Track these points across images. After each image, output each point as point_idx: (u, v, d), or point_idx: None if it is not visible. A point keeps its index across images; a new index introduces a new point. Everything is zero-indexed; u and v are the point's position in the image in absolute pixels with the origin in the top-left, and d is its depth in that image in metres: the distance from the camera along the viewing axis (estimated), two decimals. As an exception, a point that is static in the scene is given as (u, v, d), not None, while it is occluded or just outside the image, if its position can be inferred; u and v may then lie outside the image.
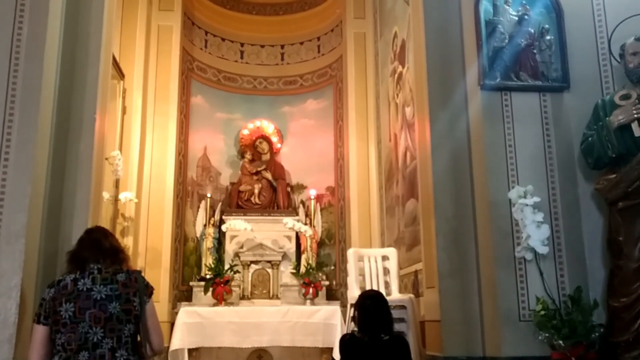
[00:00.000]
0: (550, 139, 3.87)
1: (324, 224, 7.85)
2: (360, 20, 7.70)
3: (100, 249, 2.70)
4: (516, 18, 4.01)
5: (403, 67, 5.97)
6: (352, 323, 3.38)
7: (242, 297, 6.81)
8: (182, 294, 7.21)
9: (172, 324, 6.08)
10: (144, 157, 6.90)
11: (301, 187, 8.26)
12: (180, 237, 7.43)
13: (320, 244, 7.73)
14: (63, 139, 3.89)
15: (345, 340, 3.23)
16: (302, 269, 6.95)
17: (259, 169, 8.06)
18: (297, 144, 8.46)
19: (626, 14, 3.89)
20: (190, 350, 5.92)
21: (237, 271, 6.80)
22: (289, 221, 7.14)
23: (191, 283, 7.17)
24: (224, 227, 7.25)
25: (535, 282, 3.61)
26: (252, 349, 5.98)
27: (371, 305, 3.23)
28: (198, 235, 7.58)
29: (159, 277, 6.62)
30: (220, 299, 6.36)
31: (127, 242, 6.23)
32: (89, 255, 2.67)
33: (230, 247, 7.36)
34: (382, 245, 6.62)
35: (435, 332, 4.03)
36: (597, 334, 3.43)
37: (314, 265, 7.01)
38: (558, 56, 3.97)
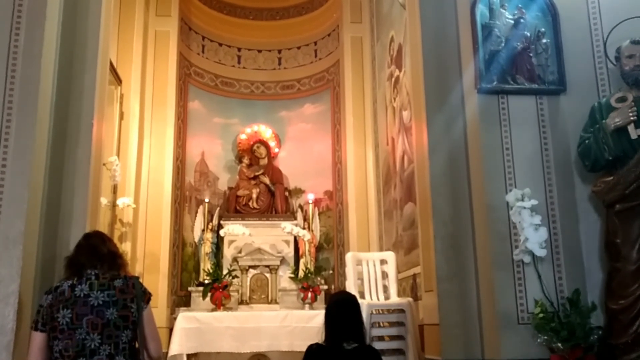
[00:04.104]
0: (547, 141, 3.87)
1: (322, 228, 7.86)
2: (357, 24, 7.72)
3: (98, 255, 2.70)
4: (512, 21, 4.01)
5: (400, 70, 5.99)
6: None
7: (241, 302, 6.80)
8: (181, 300, 7.20)
9: (171, 330, 6.07)
10: (141, 162, 6.91)
11: (299, 192, 8.27)
12: (179, 242, 7.42)
13: (319, 248, 7.74)
14: (60, 144, 3.89)
15: (311, 350, 3.02)
16: (301, 274, 6.95)
17: (256, 173, 8.07)
18: (294, 149, 8.47)
19: (621, 17, 3.89)
20: (188, 356, 5.90)
21: (236, 276, 6.79)
22: (287, 225, 7.15)
23: (189, 288, 7.17)
24: (222, 232, 7.24)
25: (533, 285, 3.60)
26: (250, 354, 5.96)
27: (335, 311, 3.01)
28: (196, 240, 7.58)
29: (157, 282, 6.61)
30: (218, 304, 6.35)
31: (125, 247, 6.22)
32: (86, 261, 2.67)
33: (228, 252, 7.36)
34: (380, 249, 6.62)
35: (434, 335, 4.03)
36: (595, 337, 3.42)
37: (312, 269, 7.01)
38: (554, 59, 3.97)
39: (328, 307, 3.11)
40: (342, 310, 3.02)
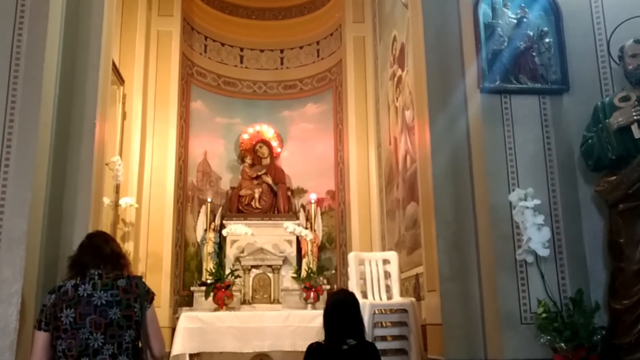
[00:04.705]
0: (550, 141, 3.87)
1: (324, 228, 7.86)
2: (359, 24, 7.72)
3: (101, 255, 2.69)
4: (515, 21, 4.01)
5: (402, 70, 5.98)
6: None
7: (243, 302, 6.80)
8: (183, 299, 7.21)
9: (173, 329, 6.08)
10: (144, 162, 6.91)
11: (301, 191, 8.27)
12: (181, 242, 7.43)
13: (321, 248, 7.74)
14: (63, 144, 3.90)
15: (311, 349, 3.05)
16: (303, 273, 6.94)
17: (259, 173, 8.07)
18: (297, 148, 8.47)
19: (625, 16, 3.89)
20: (191, 356, 5.90)
21: (238, 276, 6.79)
22: (290, 225, 7.14)
23: (192, 288, 7.17)
24: (224, 232, 7.25)
25: (536, 285, 3.60)
26: (253, 354, 5.96)
27: (332, 312, 3.03)
28: (199, 240, 7.59)
29: (160, 282, 6.62)
30: (221, 304, 6.35)
31: (127, 247, 6.23)
32: (90, 260, 2.66)
33: (231, 252, 7.36)
34: (383, 249, 6.62)
35: (437, 335, 4.03)
36: (598, 337, 3.42)
37: (314, 269, 7.01)
38: (557, 59, 3.96)
39: (326, 308, 3.13)
40: (340, 310, 3.04)
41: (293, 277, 7.14)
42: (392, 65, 6.42)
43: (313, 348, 3.04)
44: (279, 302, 6.81)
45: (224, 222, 7.59)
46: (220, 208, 7.93)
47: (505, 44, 3.95)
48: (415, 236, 5.35)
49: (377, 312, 4.91)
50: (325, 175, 8.13)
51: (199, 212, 7.74)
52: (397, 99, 6.22)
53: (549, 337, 3.42)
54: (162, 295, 6.52)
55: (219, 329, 5.90)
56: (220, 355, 5.96)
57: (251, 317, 6.08)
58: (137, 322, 2.60)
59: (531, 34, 3.99)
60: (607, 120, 3.61)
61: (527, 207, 3.52)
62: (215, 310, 6.31)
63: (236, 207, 7.95)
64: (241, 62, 8.61)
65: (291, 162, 8.42)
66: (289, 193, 8.19)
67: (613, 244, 3.55)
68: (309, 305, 6.56)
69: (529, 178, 3.77)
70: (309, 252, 7.20)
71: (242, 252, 7.21)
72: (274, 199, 8.06)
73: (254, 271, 7.06)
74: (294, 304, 6.86)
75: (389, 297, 5.24)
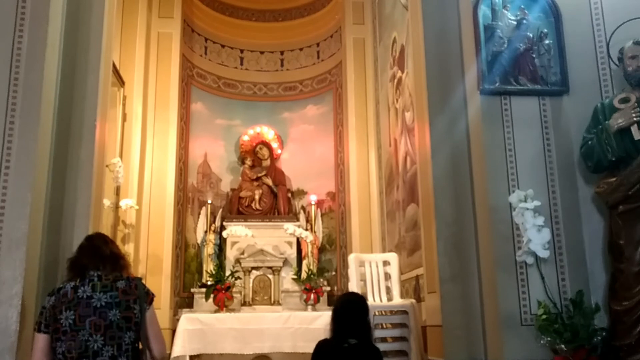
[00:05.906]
0: (550, 142, 3.86)
1: (324, 230, 7.86)
2: (359, 25, 7.73)
3: (100, 256, 2.70)
4: (515, 22, 4.01)
5: (402, 72, 5.99)
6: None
7: (244, 304, 6.80)
8: (183, 301, 7.21)
9: (174, 331, 6.08)
10: (144, 164, 6.92)
11: (302, 193, 8.27)
12: (181, 243, 7.43)
13: (321, 250, 7.74)
14: (64, 146, 3.90)
15: (319, 345, 3.15)
16: (303, 275, 6.94)
17: (259, 174, 8.08)
18: (297, 150, 8.48)
19: (624, 18, 3.89)
20: (191, 357, 5.90)
21: (238, 277, 6.79)
22: (290, 227, 7.15)
23: (192, 290, 7.18)
24: (224, 234, 7.25)
25: (536, 286, 3.59)
26: (253, 356, 5.96)
27: (340, 310, 3.16)
28: (199, 241, 7.59)
29: (160, 283, 6.63)
30: (221, 306, 6.35)
31: (128, 249, 6.23)
32: (89, 262, 2.67)
33: (231, 254, 7.37)
34: (383, 251, 6.62)
35: (437, 337, 4.03)
36: (599, 338, 3.41)
37: (315, 270, 7.01)
38: (557, 60, 3.96)
39: (335, 306, 3.23)
40: (347, 309, 3.15)
41: (293, 279, 7.14)
42: (392, 66, 6.43)
43: (320, 343, 3.15)
44: (279, 304, 6.81)
45: (224, 223, 7.59)
46: (221, 209, 7.94)
47: (505, 45, 3.95)
48: (415, 238, 5.36)
49: (377, 313, 4.91)
50: (325, 177, 8.14)
51: (199, 213, 7.75)
52: (397, 100, 6.23)
53: (549, 339, 3.42)
54: (162, 297, 6.52)
55: (219, 331, 5.90)
56: (221, 357, 5.96)
57: (251, 319, 6.08)
58: (137, 323, 2.60)
59: (531, 35, 3.99)
60: (606, 122, 3.61)
61: (527, 209, 3.52)
62: (216, 311, 6.31)
63: (236, 208, 7.95)
64: (241, 63, 8.62)
65: (291, 163, 8.42)
66: (289, 194, 8.20)
67: (613, 245, 3.55)
68: (309, 307, 6.56)
69: (529, 179, 3.76)
70: (309, 254, 7.20)
71: (242, 253, 7.22)
72: (274, 200, 8.07)
73: (254, 273, 7.06)
74: (294, 306, 6.86)
75: (389, 299, 5.25)
